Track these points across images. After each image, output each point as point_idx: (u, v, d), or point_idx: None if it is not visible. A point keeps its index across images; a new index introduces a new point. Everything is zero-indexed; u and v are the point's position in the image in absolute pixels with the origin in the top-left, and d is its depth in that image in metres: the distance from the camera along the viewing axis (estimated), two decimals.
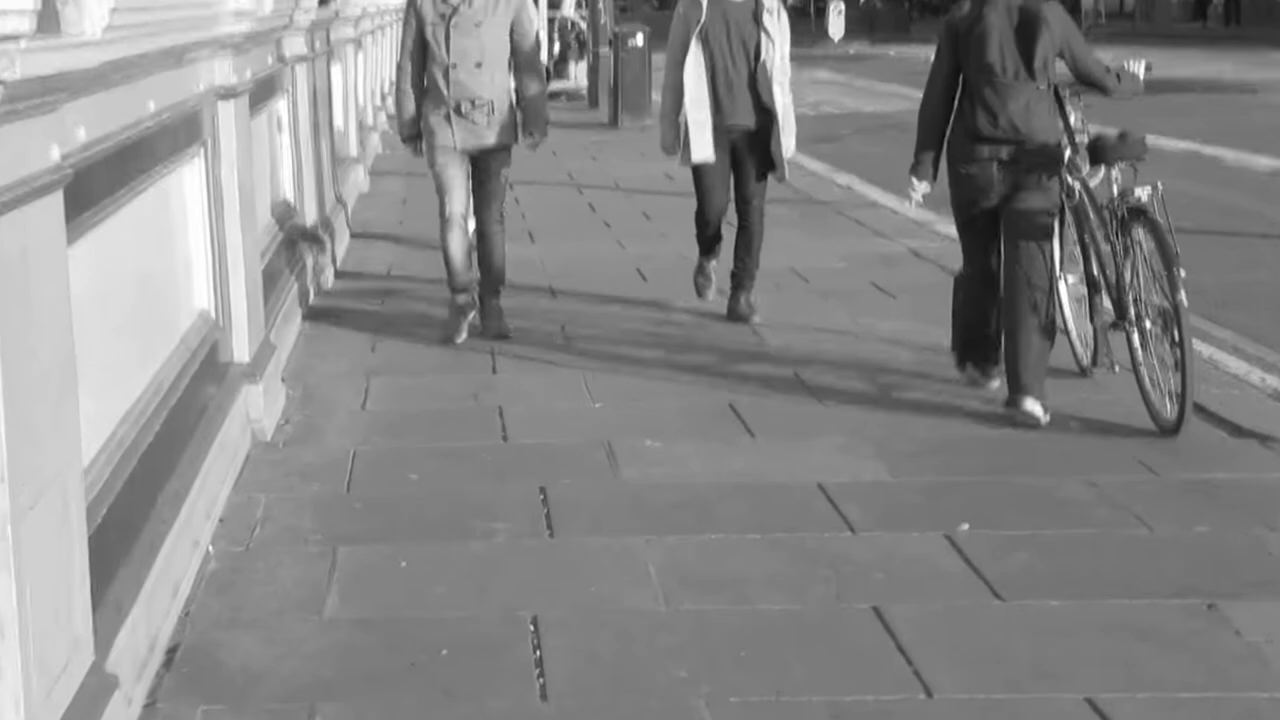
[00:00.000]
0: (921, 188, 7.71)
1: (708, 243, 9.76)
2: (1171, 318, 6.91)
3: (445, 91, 8.86)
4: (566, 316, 9.69)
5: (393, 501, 6.33)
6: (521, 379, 8.20)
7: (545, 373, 8.32)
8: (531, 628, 5.04)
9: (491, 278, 9.18)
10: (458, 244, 9.06)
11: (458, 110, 8.86)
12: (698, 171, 9.46)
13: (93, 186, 4.78)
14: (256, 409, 7.18)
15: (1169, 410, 7.02)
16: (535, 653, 4.87)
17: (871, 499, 6.30)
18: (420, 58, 8.97)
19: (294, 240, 10.04)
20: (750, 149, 9.40)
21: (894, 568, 5.58)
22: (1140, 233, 7.21)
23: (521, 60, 9.04)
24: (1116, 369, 7.72)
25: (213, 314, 6.96)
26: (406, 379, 8.28)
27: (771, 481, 6.54)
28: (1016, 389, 7.27)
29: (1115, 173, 7.53)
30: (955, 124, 7.58)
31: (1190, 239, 12.50)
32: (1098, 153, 7.51)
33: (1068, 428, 7.22)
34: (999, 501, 6.28)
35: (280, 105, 10.30)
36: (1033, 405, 7.21)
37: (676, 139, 9.47)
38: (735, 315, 9.54)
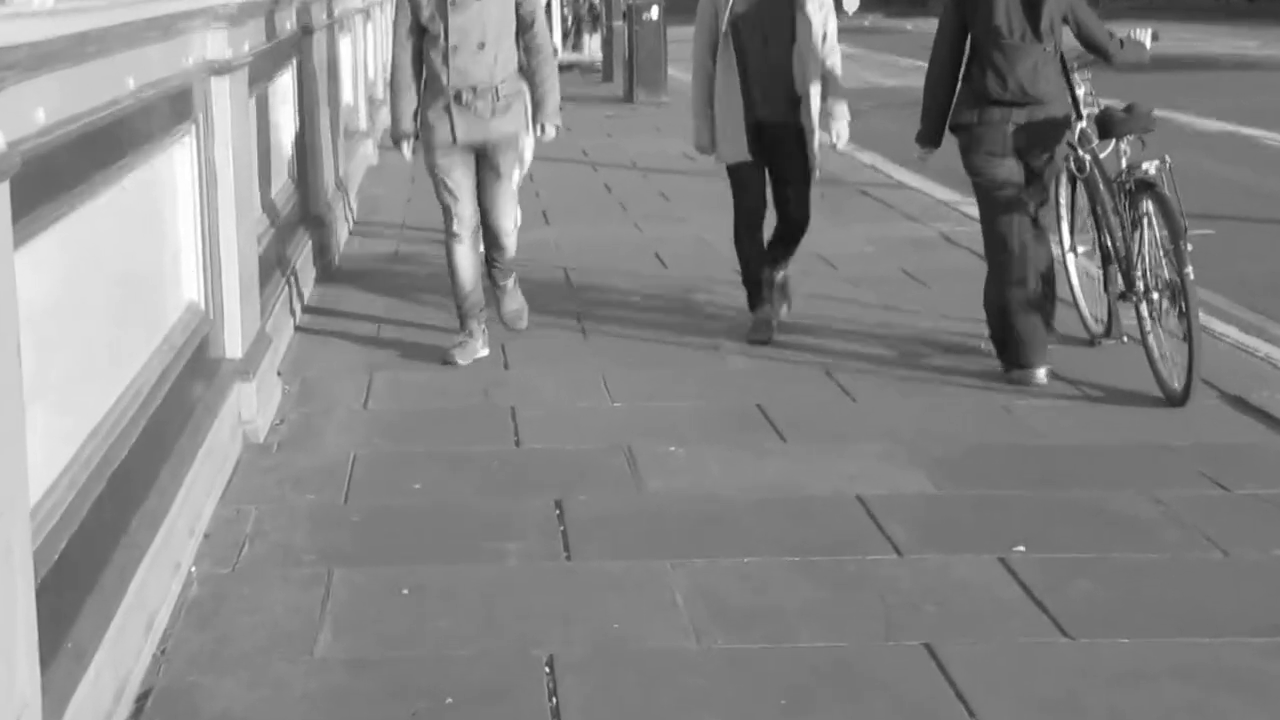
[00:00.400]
0: (926, 153, 7.76)
1: (749, 261, 8.41)
2: (1179, 290, 6.98)
3: (444, 79, 7.76)
4: (582, 305, 9.15)
5: (394, 515, 5.82)
6: (535, 375, 7.67)
7: (560, 368, 7.79)
8: (547, 669, 4.52)
9: (501, 268, 8.36)
10: (467, 262, 7.97)
11: (458, 99, 7.77)
12: (731, 172, 8.39)
13: (59, 174, 4.27)
14: (249, 409, 6.66)
15: (1177, 382, 7.05)
16: (551, 700, 4.35)
17: (915, 515, 5.77)
18: (417, 45, 7.89)
19: (296, 222, 9.52)
20: (786, 145, 8.22)
21: (946, 597, 5.05)
22: (1148, 206, 7.25)
23: (529, 38, 7.95)
24: (1125, 339, 7.86)
25: (202, 306, 6.44)
26: (412, 373, 7.75)
27: (806, 494, 6.01)
28: (1017, 362, 7.49)
29: (1124, 146, 7.60)
30: (963, 89, 7.60)
31: (1231, 226, 12.02)
32: (1106, 126, 7.59)
33: (1114, 431, 6.70)
34: (1054, 518, 5.75)
35: (284, 80, 9.77)
36: (1036, 375, 7.46)
37: (711, 136, 8.37)
38: (772, 293, 8.49)
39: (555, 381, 7.53)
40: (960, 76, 7.62)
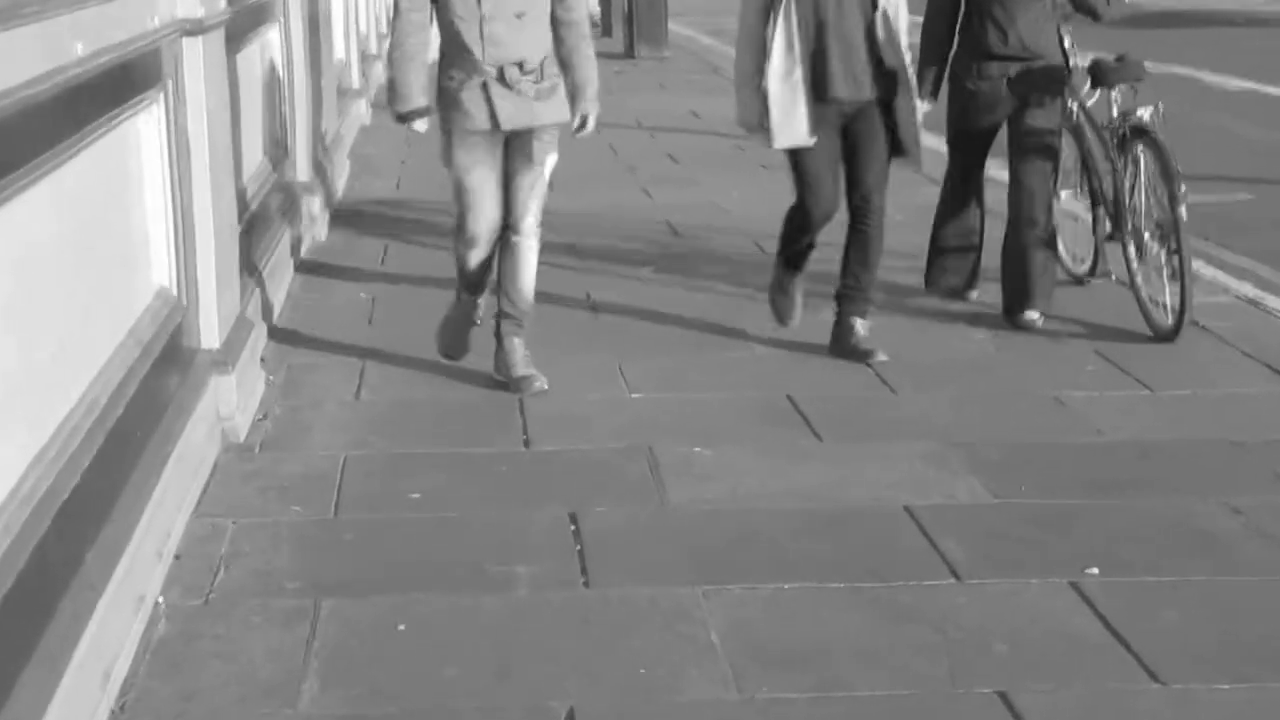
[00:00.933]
0: (923, 106, 7.42)
1: (797, 253, 7.29)
2: (1170, 230, 7.22)
3: (477, 53, 6.40)
4: (592, 283, 8.49)
5: (389, 531, 5.19)
6: (544, 362, 6.99)
7: (572, 354, 7.14)
8: None
9: (517, 306, 6.74)
10: (479, 259, 6.75)
11: (501, 78, 6.39)
12: (795, 158, 6.96)
13: None
14: (228, 404, 6.03)
15: (1167, 318, 7.28)
16: None
17: (972, 529, 5.15)
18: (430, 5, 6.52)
19: (283, 191, 8.87)
20: (869, 128, 6.89)
21: (1016, 632, 4.43)
22: (1141, 150, 7.48)
23: (564, 8, 6.54)
24: (1114, 278, 8.05)
25: (175, 292, 5.81)
26: (409, 360, 7.11)
27: (849, 505, 5.39)
28: (1024, 304, 7.56)
29: (1115, 94, 7.81)
30: (961, 40, 7.66)
31: (1269, 190, 11.38)
32: (1098, 75, 7.78)
33: (1178, 425, 6.10)
34: (1125, 532, 5.14)
35: (269, 36, 9.11)
36: (1033, 315, 7.56)
37: (760, 112, 6.88)
38: (846, 349, 7.06)
39: (566, 369, 6.87)
40: (958, 29, 7.70)
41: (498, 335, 6.75)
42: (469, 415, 6.34)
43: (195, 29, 6.06)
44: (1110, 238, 7.87)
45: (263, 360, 6.91)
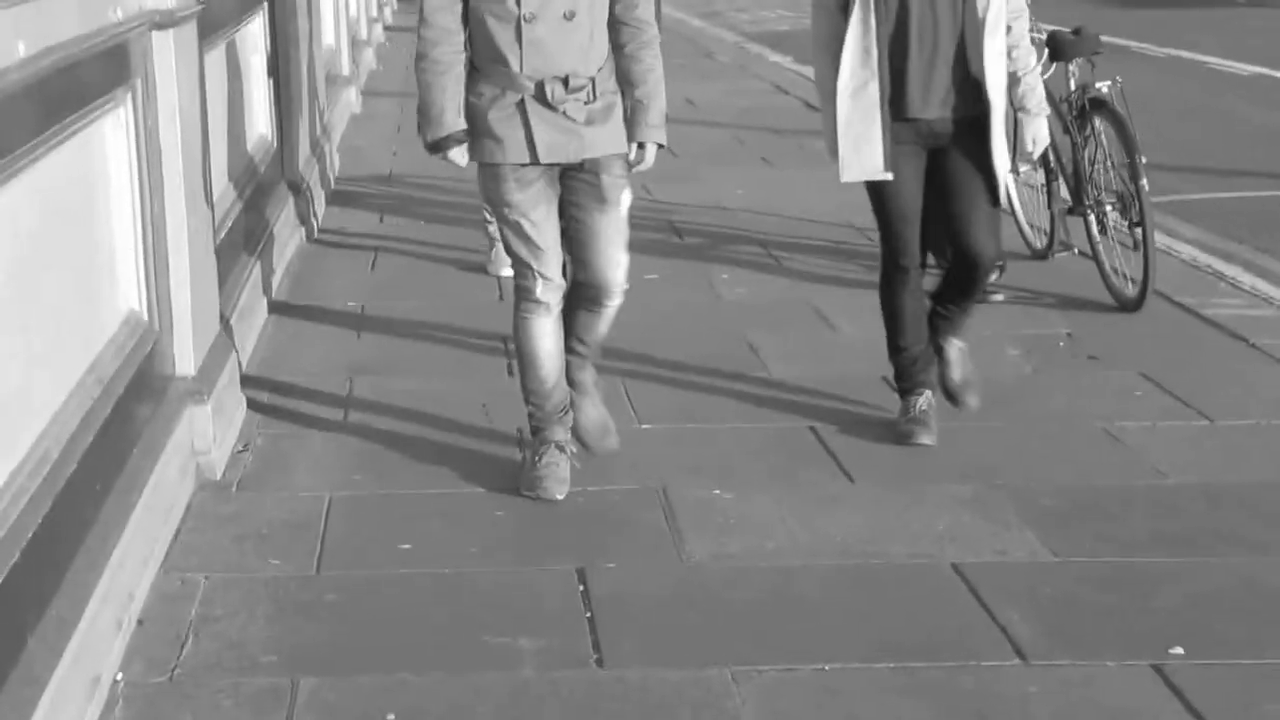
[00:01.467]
0: None
1: (907, 354, 5.94)
2: (1131, 202, 7.36)
3: (514, 64, 5.07)
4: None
5: (377, 592, 4.63)
6: None
7: None
8: None
9: (589, 345, 5.59)
10: (551, 342, 5.36)
11: (541, 96, 5.08)
12: (874, 194, 5.80)
13: None
14: (204, 437, 5.47)
15: (1130, 289, 7.41)
16: None
17: (1034, 595, 4.59)
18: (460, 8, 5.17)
19: (268, 190, 8.30)
20: (963, 158, 5.69)
21: None
22: (1101, 123, 7.60)
23: (625, 7, 5.20)
24: (1075, 251, 8.10)
25: (145, 315, 5.26)
26: (400, 380, 6.56)
27: (890, 560, 4.84)
28: None
29: (1072, 68, 7.94)
30: None
31: None
32: (1055, 49, 7.83)
33: (1245, 463, 5.54)
34: (1209, 600, 4.56)
35: (252, 25, 8.54)
36: (997, 296, 7.51)
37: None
38: (945, 386, 6.02)
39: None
40: None
41: (571, 380, 5.49)
42: (464, 448, 5.78)
43: (166, 21, 5.52)
44: (1070, 211, 7.96)
45: (243, 380, 6.36)
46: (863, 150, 5.63)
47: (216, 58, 6.86)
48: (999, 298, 7.56)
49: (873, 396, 6.32)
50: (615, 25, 5.20)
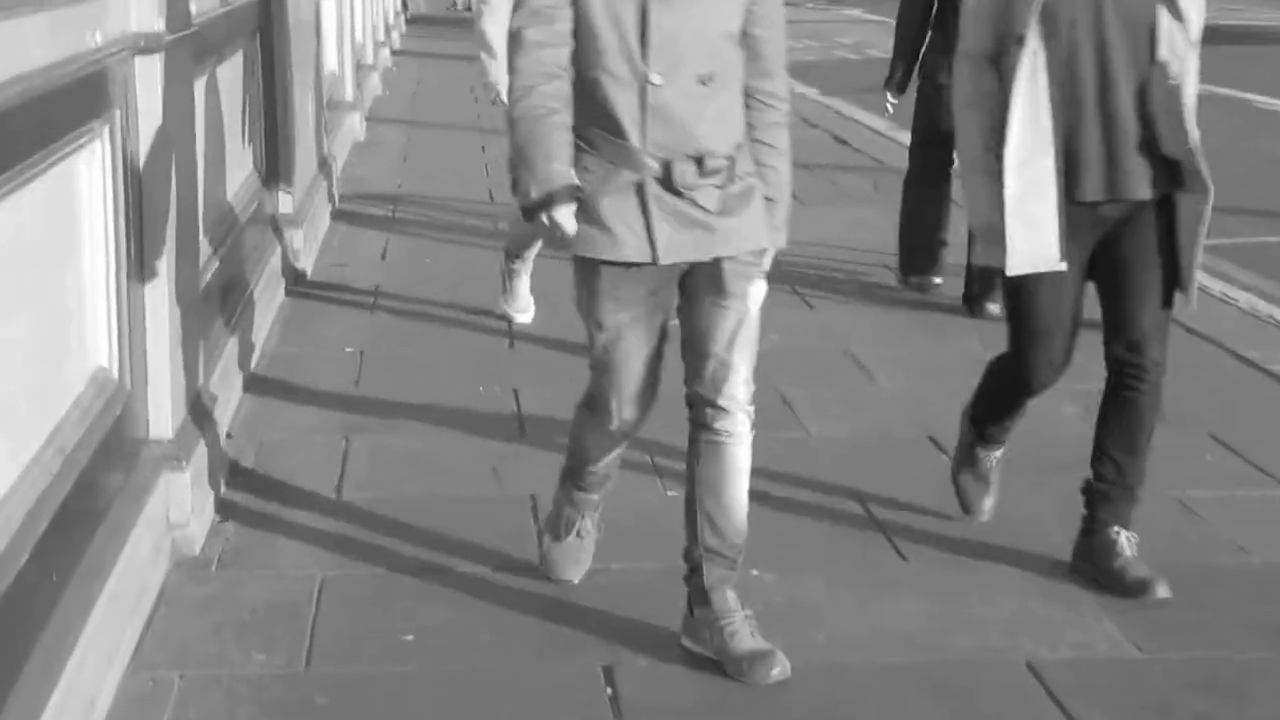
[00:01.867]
0: (894, 99, 8.10)
1: (1000, 423, 5.13)
2: None
3: (634, 137, 4.00)
4: None
5: (374, 694, 4.07)
6: (561, 440, 5.90)
7: None
8: None
9: (727, 538, 4.26)
10: (615, 455, 4.57)
11: (667, 179, 4.00)
12: (1022, 290, 4.69)
13: None
14: (181, 508, 4.91)
15: None
16: None
17: (1124, 701, 4.03)
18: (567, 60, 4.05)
19: (261, 229, 7.76)
20: (1140, 244, 4.64)
21: None
22: None
23: (758, 71, 4.14)
24: None
25: (116, 372, 4.70)
26: (402, 438, 6.01)
27: (956, 655, 4.28)
28: (988, 295, 7.60)
29: None
30: (934, 37, 7.82)
31: None
32: None
33: None
34: None
35: (248, 48, 8.01)
36: (995, 307, 7.33)
37: (1000, 215, 4.56)
38: (1109, 573, 4.71)
39: None
40: (931, 24, 7.88)
41: (698, 585, 4.27)
42: (471, 519, 5.21)
43: (152, 45, 5.00)
44: None
45: (228, 437, 5.81)
46: (1037, 239, 4.52)
47: (206, 85, 6.32)
48: (997, 310, 7.05)
49: (919, 459, 5.77)
50: (746, 93, 4.15)
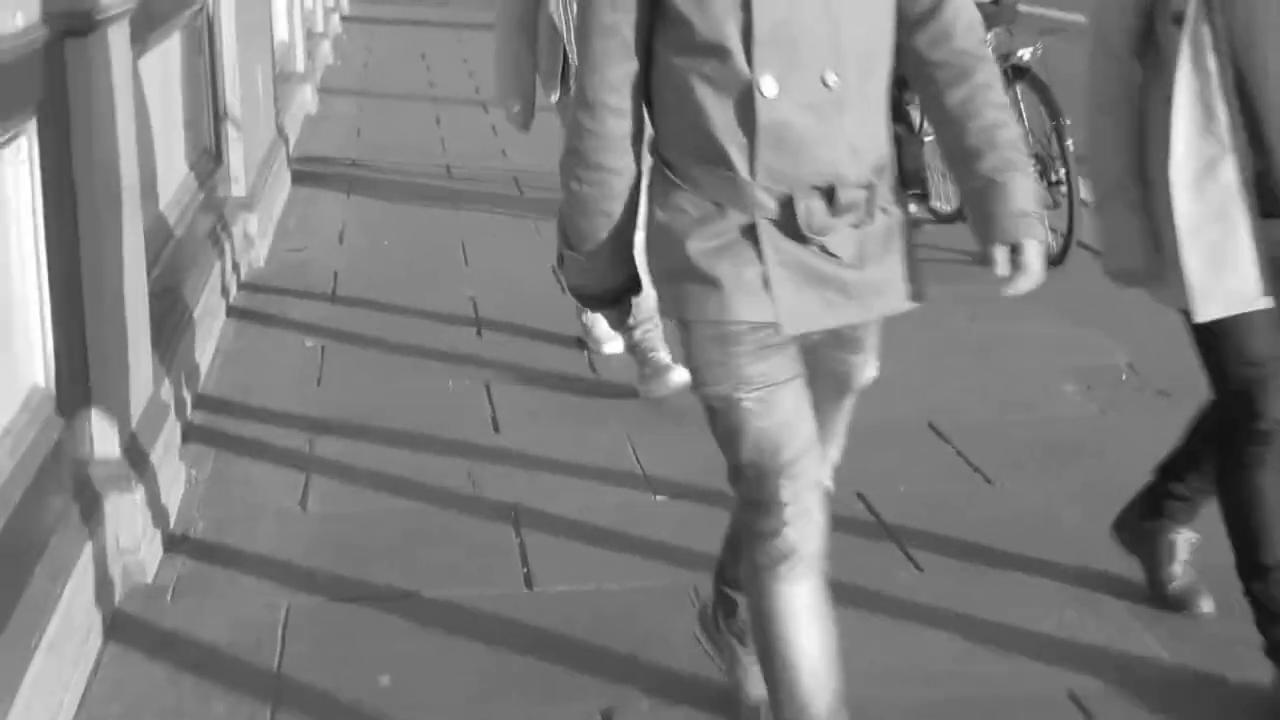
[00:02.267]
0: None
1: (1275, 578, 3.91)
2: (1050, 163, 7.62)
3: (741, 165, 2.94)
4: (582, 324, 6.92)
5: None
6: (539, 443, 5.52)
7: (571, 430, 5.64)
8: None
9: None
10: (811, 627, 3.12)
11: (789, 221, 2.95)
12: (1220, 333, 3.74)
13: None
14: (131, 533, 4.50)
15: (1054, 244, 7.33)
16: None
17: None
18: (644, 57, 2.99)
19: (211, 218, 7.31)
20: None
21: None
22: (1021, 91, 7.79)
23: (938, 26, 3.09)
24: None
25: (53, 390, 4.27)
26: (368, 445, 5.58)
27: (988, 685, 3.90)
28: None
29: (989, 36, 7.79)
30: None
31: None
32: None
33: None
34: None
35: (194, 22, 7.55)
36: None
37: (1144, 247, 3.74)
38: (1165, 591, 4.27)
39: (568, 454, 5.38)
40: None
41: (728, 600, 3.63)
42: (448, 538, 4.82)
43: (83, 26, 4.53)
44: None
45: (183, 444, 5.40)
46: (1226, 273, 3.60)
47: (146, 66, 5.87)
48: (914, 209, 7.65)
49: (922, 449, 5.40)
50: (920, 69, 3.11)
